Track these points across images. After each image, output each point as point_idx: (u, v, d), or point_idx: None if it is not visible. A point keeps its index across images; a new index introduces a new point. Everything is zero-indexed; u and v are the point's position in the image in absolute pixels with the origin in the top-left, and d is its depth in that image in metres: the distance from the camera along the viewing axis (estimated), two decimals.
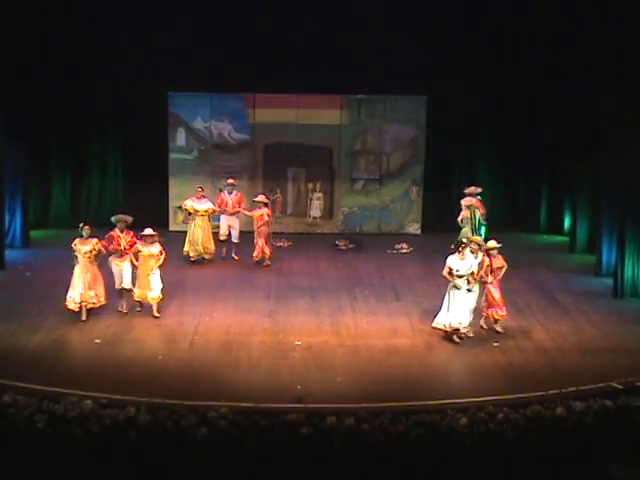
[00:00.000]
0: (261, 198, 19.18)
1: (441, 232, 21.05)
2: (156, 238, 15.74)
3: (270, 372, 13.34)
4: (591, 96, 19.49)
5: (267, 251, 19.02)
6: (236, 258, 19.55)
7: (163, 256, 15.66)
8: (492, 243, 14.96)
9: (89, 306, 15.29)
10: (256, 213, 18.97)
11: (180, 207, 19.79)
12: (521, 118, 21.73)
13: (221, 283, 17.75)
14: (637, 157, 17.18)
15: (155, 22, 20.62)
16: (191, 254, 18.97)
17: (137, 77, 21.02)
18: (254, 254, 18.93)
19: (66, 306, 15.27)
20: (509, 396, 12.35)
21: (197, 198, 19.09)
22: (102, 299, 15.45)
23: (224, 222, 19.53)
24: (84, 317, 15.26)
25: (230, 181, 19.68)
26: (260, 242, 18.88)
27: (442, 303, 14.54)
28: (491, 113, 21.61)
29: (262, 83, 20.99)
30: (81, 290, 15.16)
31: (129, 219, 15.88)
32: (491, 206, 19.96)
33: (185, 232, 19.28)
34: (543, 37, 21.03)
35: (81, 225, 15.34)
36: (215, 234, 19.38)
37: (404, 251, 20.54)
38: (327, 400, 12.15)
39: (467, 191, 19.29)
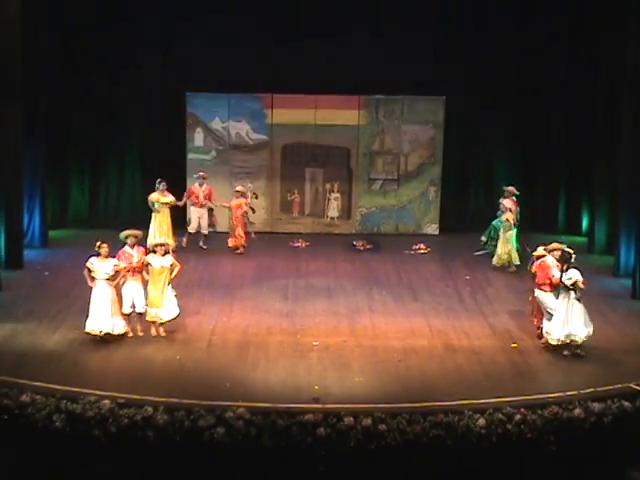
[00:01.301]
0: (240, 188, 19.87)
1: (459, 233, 21.08)
2: (168, 248, 14.99)
3: (287, 372, 13.30)
4: (609, 96, 19.41)
5: (242, 240, 19.68)
6: (204, 247, 20.05)
7: (177, 269, 14.68)
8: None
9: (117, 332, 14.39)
10: (234, 202, 19.68)
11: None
12: (539, 118, 21.63)
13: (239, 283, 17.74)
14: None
15: (173, 22, 20.73)
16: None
17: (155, 77, 21.13)
18: (230, 242, 19.73)
19: (89, 333, 14.27)
20: (527, 397, 12.30)
21: (159, 192, 19.39)
22: (125, 326, 14.53)
23: (194, 214, 20.16)
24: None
25: (201, 174, 20.21)
26: (239, 230, 19.61)
27: (557, 317, 13.97)
28: (509, 113, 21.53)
29: (280, 83, 21.02)
30: (109, 318, 14.16)
31: (139, 234, 14.94)
32: None
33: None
34: (561, 37, 21.00)
35: (98, 243, 14.25)
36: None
37: (422, 252, 20.47)
38: (344, 400, 12.14)
39: (508, 189, 19.12)
